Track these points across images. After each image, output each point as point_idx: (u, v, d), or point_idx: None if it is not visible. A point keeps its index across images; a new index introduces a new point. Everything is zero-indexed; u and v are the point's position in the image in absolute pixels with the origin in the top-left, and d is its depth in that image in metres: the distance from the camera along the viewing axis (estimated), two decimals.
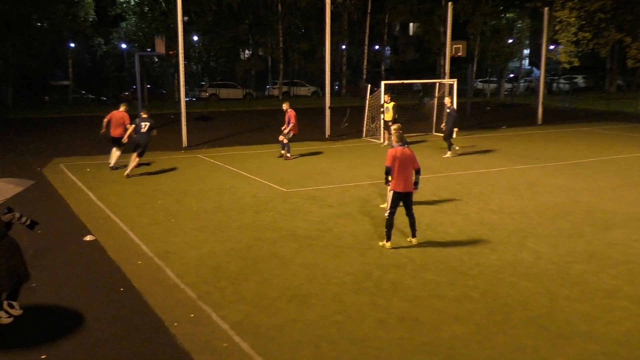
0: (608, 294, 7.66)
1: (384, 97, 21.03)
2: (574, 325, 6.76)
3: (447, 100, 19.29)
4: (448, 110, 18.56)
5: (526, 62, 67.48)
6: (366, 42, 52.12)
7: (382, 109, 21.73)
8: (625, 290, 7.81)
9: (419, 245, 9.63)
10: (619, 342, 6.37)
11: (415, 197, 12.98)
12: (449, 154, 18.59)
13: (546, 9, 29.33)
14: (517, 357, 6.06)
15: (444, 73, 27.11)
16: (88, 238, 10.06)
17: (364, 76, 51.48)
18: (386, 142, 20.97)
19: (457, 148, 18.80)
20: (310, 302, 7.40)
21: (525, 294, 7.65)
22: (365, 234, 10.30)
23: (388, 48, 59.25)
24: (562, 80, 55.98)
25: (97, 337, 6.50)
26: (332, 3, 24.12)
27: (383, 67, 56.54)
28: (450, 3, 26.26)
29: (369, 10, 50.76)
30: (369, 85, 23.98)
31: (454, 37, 27.62)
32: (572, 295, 7.63)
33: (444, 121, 18.96)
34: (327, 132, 23.76)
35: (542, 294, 7.67)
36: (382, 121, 21.99)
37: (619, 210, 11.99)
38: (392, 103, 20.55)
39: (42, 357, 6.08)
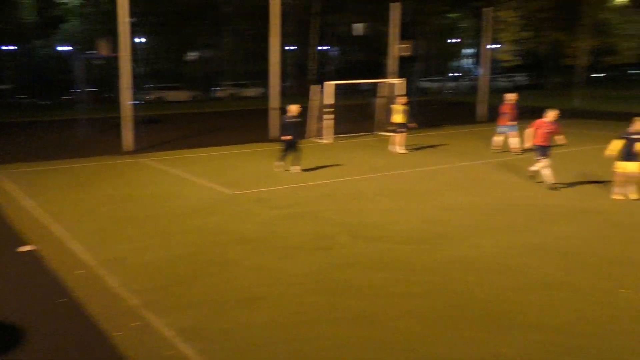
0: (550, 286, 7.84)
1: (398, 100, 19.88)
2: (519, 317, 6.88)
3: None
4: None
5: (469, 61, 69.01)
6: (313, 43, 52.16)
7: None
8: (567, 281, 8.02)
9: (368, 244, 9.64)
10: (561, 331, 6.52)
11: (361, 195, 13.15)
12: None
13: (488, 9, 30.02)
14: (468, 350, 6.12)
15: (390, 73, 27.36)
16: (25, 248, 9.61)
17: (311, 77, 51.50)
18: (398, 148, 19.81)
19: None
20: (260, 305, 7.28)
21: (473, 288, 7.75)
22: (313, 235, 10.24)
23: (335, 49, 59.50)
24: (502, 79, 57.50)
25: (33, 353, 6.19)
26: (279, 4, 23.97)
27: (330, 68, 56.72)
28: (396, 4, 26.54)
29: (316, 11, 50.84)
30: (315, 86, 23.97)
31: (400, 37, 27.92)
32: (517, 286, 7.78)
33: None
34: (271, 132, 23.46)
35: (488, 287, 7.79)
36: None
37: (562, 204, 12.33)
38: (404, 107, 19.59)
39: None
